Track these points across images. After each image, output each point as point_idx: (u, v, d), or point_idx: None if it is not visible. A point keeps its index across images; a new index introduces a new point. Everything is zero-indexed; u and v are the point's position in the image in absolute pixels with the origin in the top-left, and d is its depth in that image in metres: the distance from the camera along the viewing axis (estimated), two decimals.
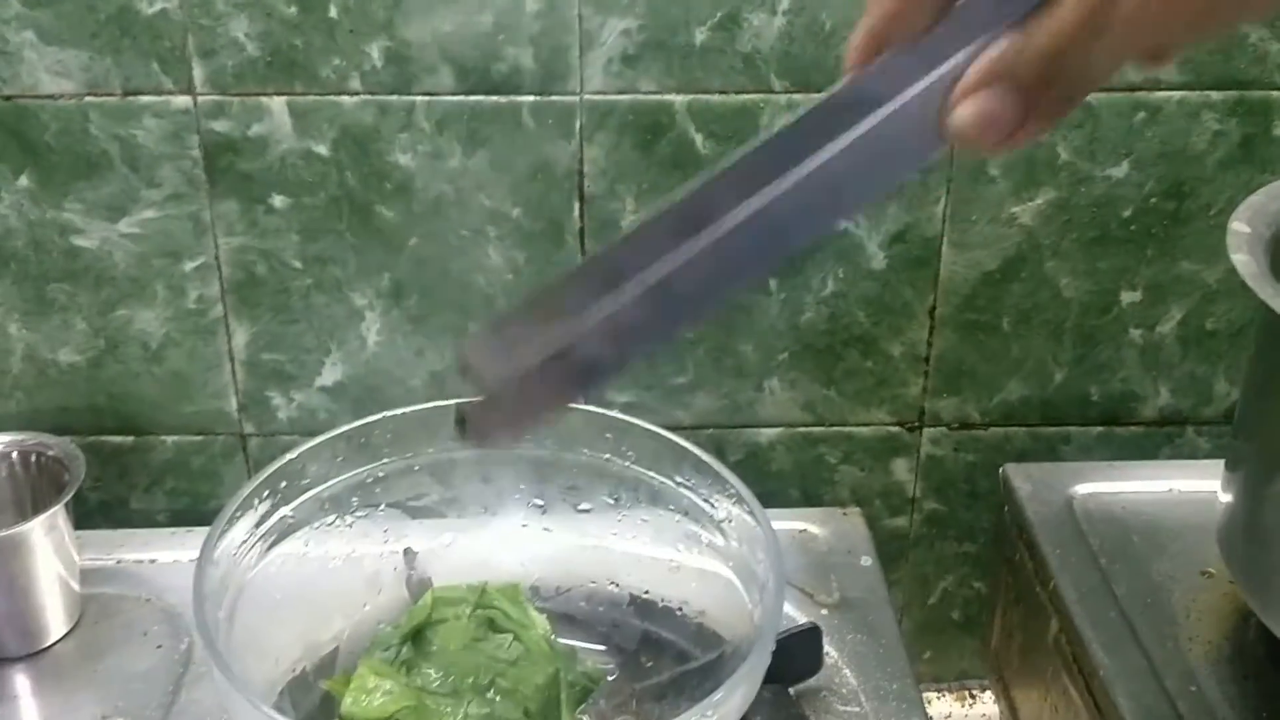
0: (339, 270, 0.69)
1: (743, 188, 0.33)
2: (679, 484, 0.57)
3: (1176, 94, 0.67)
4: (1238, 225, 0.54)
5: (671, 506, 0.57)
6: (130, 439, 0.73)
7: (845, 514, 0.73)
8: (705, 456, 0.55)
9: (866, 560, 0.69)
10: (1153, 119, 0.67)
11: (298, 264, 0.69)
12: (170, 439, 0.74)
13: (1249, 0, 0.29)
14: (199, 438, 0.74)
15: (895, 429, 0.76)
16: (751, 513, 0.53)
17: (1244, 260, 0.51)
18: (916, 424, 0.76)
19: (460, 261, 0.69)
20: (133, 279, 0.69)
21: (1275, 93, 0.67)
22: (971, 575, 0.80)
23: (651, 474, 0.58)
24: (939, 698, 0.83)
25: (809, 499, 0.77)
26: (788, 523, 0.73)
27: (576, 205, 0.68)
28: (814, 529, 0.72)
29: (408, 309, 0.70)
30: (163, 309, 0.70)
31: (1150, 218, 0.70)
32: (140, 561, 0.70)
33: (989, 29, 0.32)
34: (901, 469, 0.77)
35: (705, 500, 0.56)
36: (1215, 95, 0.67)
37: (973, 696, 0.82)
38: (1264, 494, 0.54)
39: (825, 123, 0.34)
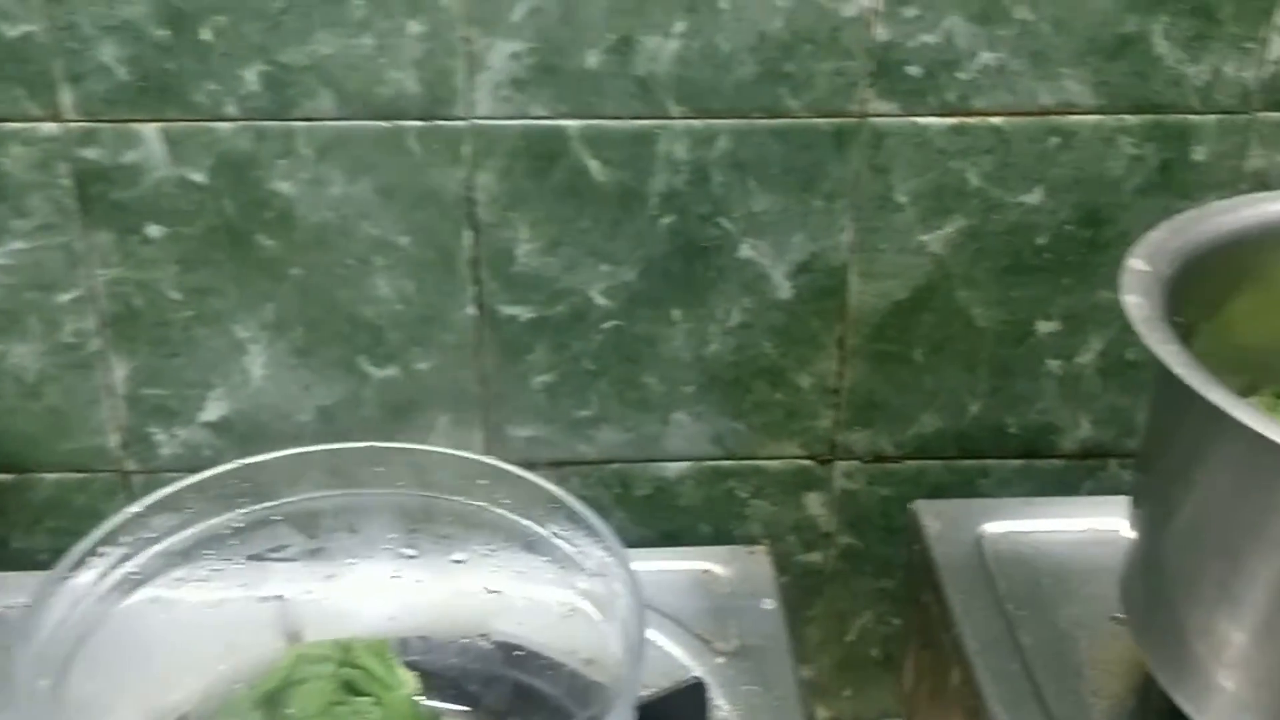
0: (220, 302, 0.67)
1: None
2: (554, 533, 0.54)
3: (1091, 118, 0.64)
4: (1135, 263, 0.51)
5: (546, 556, 0.55)
6: (8, 477, 0.70)
7: (751, 552, 0.71)
8: (576, 505, 0.53)
9: (769, 604, 0.67)
10: (1066, 144, 0.65)
11: (177, 295, 0.66)
12: (50, 476, 0.71)
13: None
14: (80, 475, 0.71)
15: (807, 462, 0.73)
16: (620, 566, 0.51)
17: (1136, 303, 0.48)
18: (828, 457, 0.73)
19: (347, 292, 0.67)
20: (4, 312, 0.66)
21: (1193, 117, 0.65)
22: (890, 612, 0.77)
23: (526, 522, 0.55)
24: None
25: (720, 534, 0.74)
26: (691, 563, 0.70)
27: (468, 234, 0.66)
28: (718, 569, 0.69)
29: (293, 341, 0.68)
30: (38, 343, 0.67)
31: (1066, 245, 0.67)
32: (11, 607, 0.67)
33: None
34: (815, 503, 0.74)
35: (579, 550, 0.53)
36: (1131, 119, 0.64)
37: None
38: (1162, 533, 0.52)
39: None
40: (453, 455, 0.56)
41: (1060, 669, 0.59)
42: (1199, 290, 0.54)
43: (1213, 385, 0.43)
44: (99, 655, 0.49)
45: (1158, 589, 0.52)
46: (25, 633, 0.46)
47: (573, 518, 0.53)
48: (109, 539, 0.50)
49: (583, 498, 0.72)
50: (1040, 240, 0.67)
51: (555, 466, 0.73)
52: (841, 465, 0.73)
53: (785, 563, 0.76)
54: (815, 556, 0.76)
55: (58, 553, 0.72)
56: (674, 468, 0.73)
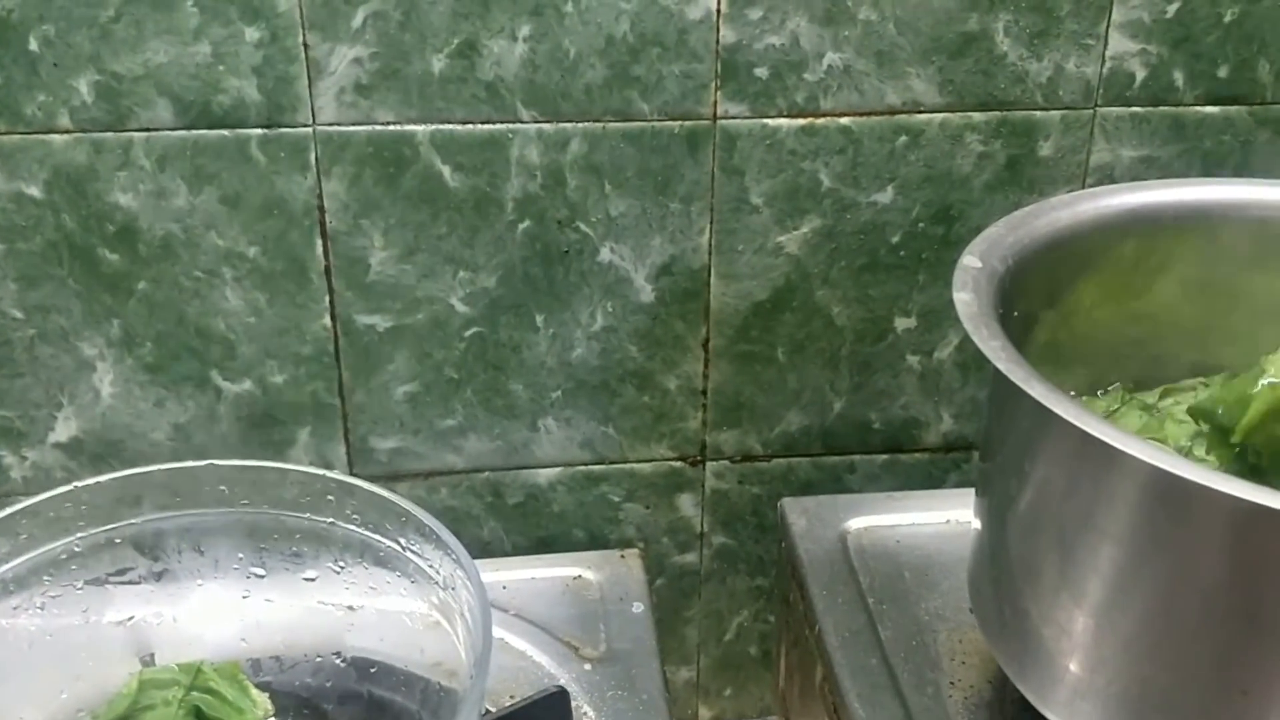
0: (64, 319, 0.64)
1: None
2: (404, 546, 0.53)
3: (938, 117, 0.65)
4: (969, 260, 0.52)
5: (397, 570, 0.54)
6: None
7: (623, 556, 0.70)
8: (424, 517, 0.52)
9: (638, 607, 0.66)
10: (915, 143, 0.66)
11: (18, 314, 0.64)
12: None
13: None
14: None
15: (677, 464, 0.73)
16: (469, 578, 0.50)
17: (965, 300, 0.49)
18: (698, 458, 0.73)
19: (196, 305, 0.65)
20: None
21: (1038, 113, 0.66)
22: (766, 609, 0.78)
23: (376, 537, 0.54)
24: None
25: (595, 539, 0.74)
26: (563, 569, 0.69)
27: (319, 242, 0.64)
28: (589, 575, 0.69)
29: (142, 357, 0.66)
30: None
31: (919, 243, 0.68)
32: None
33: None
34: (687, 504, 0.74)
35: (429, 562, 0.52)
36: (978, 117, 0.66)
37: None
38: (1002, 523, 0.52)
39: None
40: (298, 471, 0.54)
41: (919, 661, 0.59)
42: (1038, 284, 0.55)
43: (1034, 380, 0.43)
44: None
45: (999, 578, 0.52)
46: None
47: (421, 530, 0.52)
48: None
49: (453, 508, 0.73)
50: (894, 238, 0.68)
51: (423, 477, 0.72)
52: (711, 465, 0.73)
53: (661, 564, 0.76)
54: (690, 557, 0.76)
55: None
56: (545, 474, 0.73)
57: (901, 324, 0.70)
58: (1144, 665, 0.46)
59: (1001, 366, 0.44)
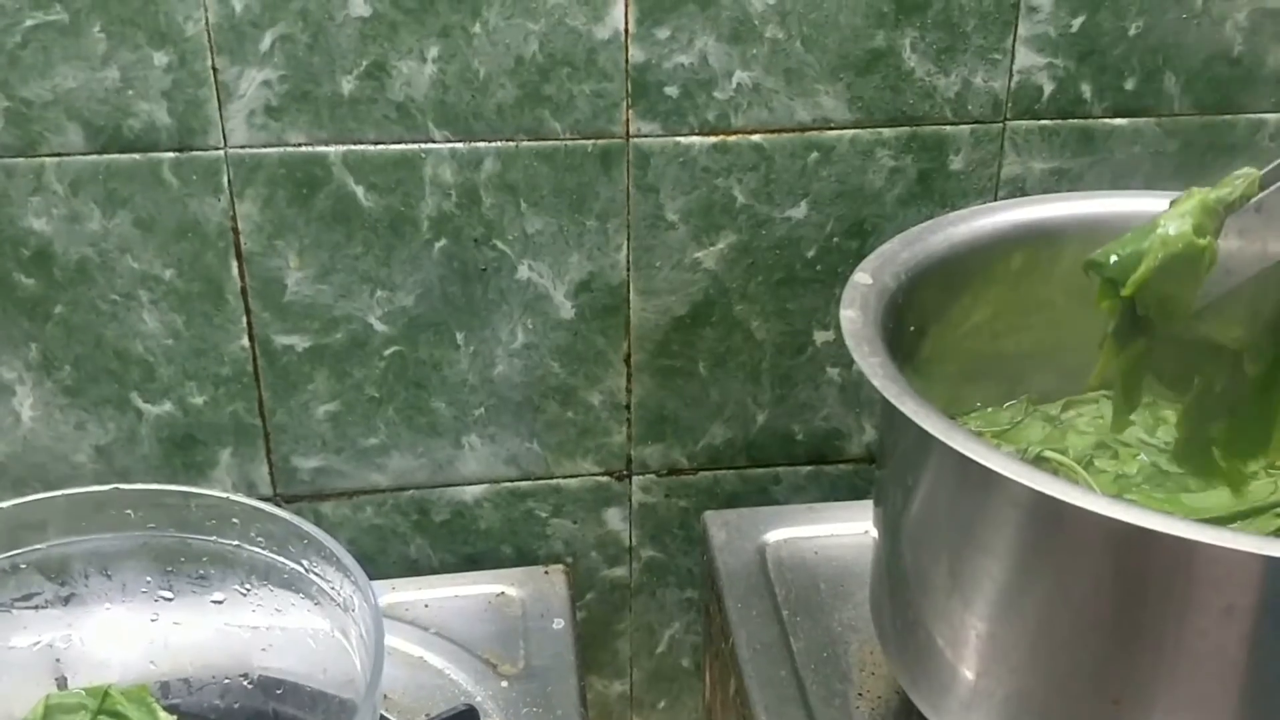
0: None
1: None
2: (307, 569, 0.54)
3: (848, 133, 0.66)
4: (860, 277, 0.53)
5: (302, 592, 0.54)
6: None
7: (547, 572, 0.71)
8: (324, 539, 0.52)
9: (559, 623, 0.67)
10: (826, 159, 0.66)
11: None
12: None
13: None
14: None
15: (604, 478, 0.73)
16: (365, 599, 0.50)
17: (851, 317, 0.49)
18: (625, 472, 0.73)
19: (113, 328, 0.65)
20: None
21: (947, 127, 0.66)
22: (696, 622, 0.78)
23: (281, 559, 0.54)
24: None
25: (523, 555, 0.74)
26: (487, 586, 0.70)
27: (235, 264, 0.65)
28: (512, 591, 0.69)
29: (61, 381, 0.66)
30: None
31: (834, 257, 0.69)
32: None
33: None
34: (615, 518, 0.75)
35: (330, 584, 0.53)
36: (887, 132, 0.66)
37: None
38: (895, 535, 0.53)
39: None
40: (203, 494, 0.55)
41: (828, 673, 0.60)
42: (932, 300, 0.56)
43: (906, 397, 0.44)
44: None
45: (893, 590, 0.53)
46: None
47: (322, 552, 0.52)
48: None
49: (379, 526, 0.73)
50: (810, 253, 0.69)
51: (348, 496, 0.72)
52: (638, 479, 0.74)
53: (591, 579, 0.76)
54: (620, 571, 0.76)
55: None
56: (471, 491, 0.73)
57: (820, 337, 0.71)
58: (1025, 676, 0.46)
59: (876, 383, 0.44)
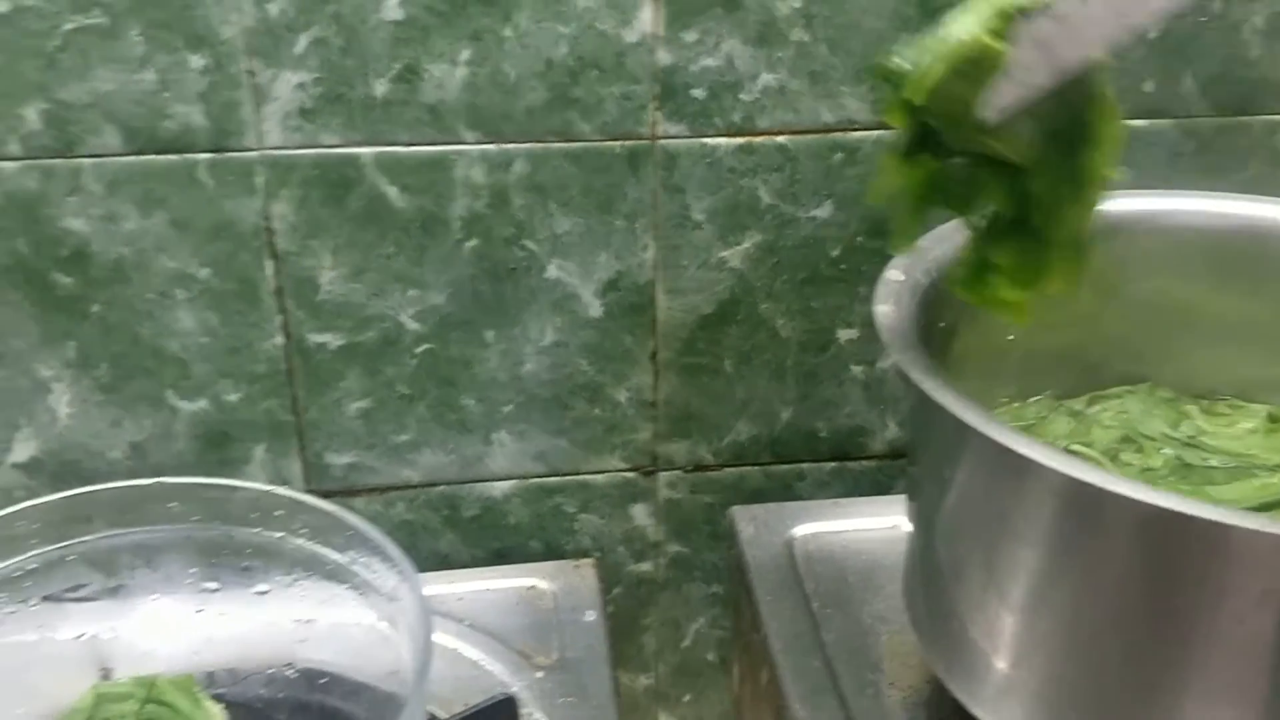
0: (20, 341, 0.65)
1: None
2: (352, 559, 0.55)
3: (872, 133, 0.67)
4: (892, 273, 0.54)
5: (346, 583, 0.55)
6: None
7: (577, 566, 0.72)
8: (369, 530, 0.53)
9: (591, 615, 0.68)
10: (850, 159, 0.67)
11: None
12: None
13: None
14: None
15: (630, 474, 0.74)
16: (411, 589, 0.51)
17: (885, 312, 0.50)
18: (651, 468, 0.74)
19: (149, 326, 0.66)
20: None
21: None
22: (722, 616, 0.79)
23: (325, 551, 0.55)
24: None
25: (551, 550, 0.75)
26: (518, 580, 0.71)
27: (269, 263, 0.66)
28: (543, 584, 0.70)
29: (98, 378, 0.67)
30: None
31: (858, 256, 0.70)
32: None
33: None
34: (642, 514, 0.76)
35: (375, 574, 0.54)
36: None
37: None
38: (930, 527, 0.54)
39: None
40: (247, 487, 0.56)
41: (860, 664, 0.61)
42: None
43: (945, 390, 0.45)
44: None
45: (928, 580, 0.54)
46: None
47: (367, 543, 0.53)
48: None
49: (410, 522, 0.74)
50: (834, 252, 0.70)
51: (380, 492, 0.73)
52: (664, 476, 0.75)
53: (618, 573, 0.77)
54: (646, 566, 0.77)
55: None
56: (500, 487, 0.74)
57: (844, 335, 0.72)
58: (1062, 663, 0.47)
59: (914, 376, 0.46)
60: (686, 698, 0.81)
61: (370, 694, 0.56)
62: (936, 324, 0.54)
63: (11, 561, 0.54)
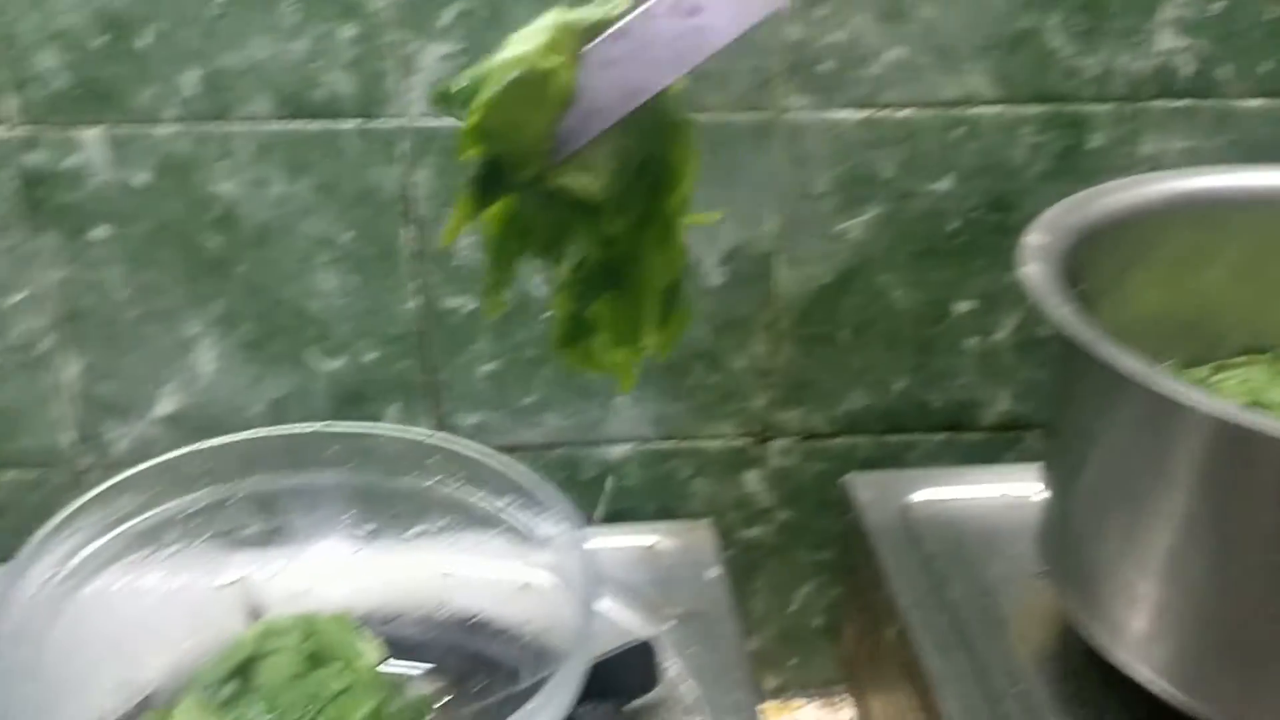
0: (168, 299, 0.68)
1: None
2: (506, 505, 0.57)
3: (993, 109, 0.68)
4: (1034, 238, 0.55)
5: (499, 528, 0.57)
6: None
7: (694, 527, 0.74)
8: (527, 476, 0.55)
9: (713, 572, 0.70)
10: (972, 134, 0.69)
11: (125, 294, 0.68)
12: (5, 474, 0.72)
13: None
14: (35, 472, 0.72)
15: (744, 441, 0.76)
16: (571, 530, 0.53)
17: (1034, 270, 0.52)
18: (764, 435, 0.76)
19: (292, 287, 0.69)
20: None
21: (1088, 106, 0.69)
22: (829, 582, 0.81)
23: (479, 496, 0.57)
24: (805, 706, 0.84)
25: (664, 513, 0.77)
26: (636, 537, 0.73)
27: (407, 229, 0.68)
28: (663, 542, 0.72)
29: (241, 336, 0.69)
30: None
31: (976, 230, 0.71)
32: None
33: None
34: (753, 480, 0.78)
35: (531, 520, 0.56)
36: (1031, 110, 0.69)
37: (838, 703, 0.83)
38: (1071, 488, 0.56)
39: None
40: (403, 436, 0.58)
41: (987, 620, 0.62)
42: (1096, 264, 0.58)
43: (1103, 341, 0.46)
44: (70, 635, 0.51)
45: (1071, 541, 0.55)
46: None
47: (524, 492, 0.55)
48: (73, 520, 0.52)
49: None
50: (952, 225, 0.71)
51: (504, 452, 0.75)
52: (776, 443, 0.77)
53: (727, 538, 0.79)
54: (756, 531, 0.79)
55: (12, 551, 0.74)
56: (617, 450, 0.76)
57: (960, 307, 0.73)
58: (1210, 610, 0.48)
59: (1070, 329, 0.47)
60: (792, 661, 0.83)
61: (519, 640, 0.58)
62: (1074, 289, 0.56)
63: (185, 499, 0.56)
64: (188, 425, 0.71)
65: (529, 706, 0.46)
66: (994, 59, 0.68)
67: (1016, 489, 0.72)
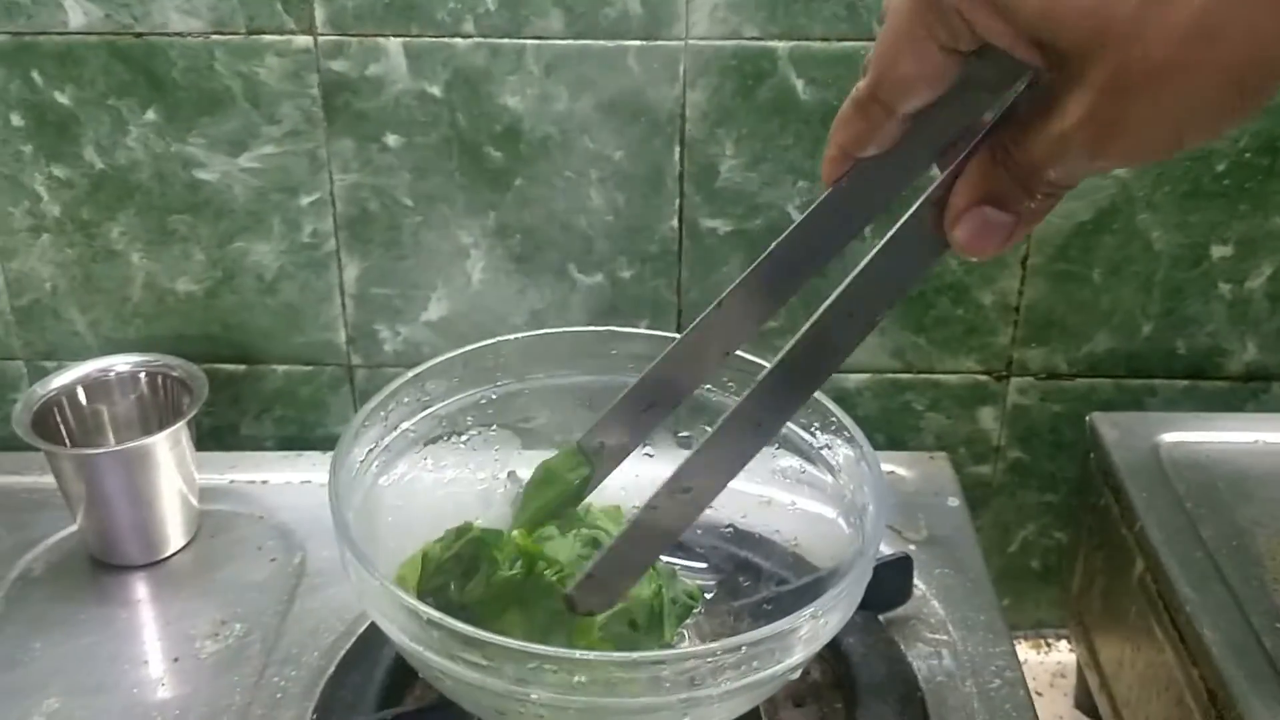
0: (447, 209, 0.72)
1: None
2: (790, 430, 0.59)
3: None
4: None
5: (788, 452, 0.59)
6: (243, 367, 0.77)
7: (932, 458, 0.75)
8: (824, 403, 0.57)
9: (954, 501, 0.71)
10: None
11: (408, 201, 0.72)
12: (281, 368, 0.77)
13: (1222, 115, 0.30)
14: (308, 368, 0.77)
15: (983, 377, 0.77)
16: (852, 439, 0.55)
17: None
18: (1004, 373, 0.77)
19: (563, 203, 0.72)
20: (250, 212, 0.72)
21: None
22: (1052, 525, 0.81)
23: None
24: (1016, 645, 0.84)
25: (894, 444, 0.79)
26: None
27: (677, 149, 0.70)
28: (901, 471, 0.74)
29: (511, 248, 0.73)
30: (278, 242, 0.73)
31: (1244, 173, 0.70)
32: (253, 482, 0.73)
33: (949, 134, 0.39)
34: (987, 417, 0.78)
35: (806, 430, 0.58)
36: None
37: (1048, 645, 0.84)
38: None
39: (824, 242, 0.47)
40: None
41: (1241, 559, 0.62)
42: None
43: None
44: (379, 505, 0.55)
45: None
46: (334, 474, 0.51)
47: (819, 415, 0.57)
48: (392, 399, 0.56)
49: None
50: (1220, 167, 0.71)
51: (746, 374, 0.77)
52: (1016, 381, 0.77)
53: (956, 473, 0.80)
54: (985, 469, 0.80)
55: (283, 440, 0.79)
56: (854, 379, 0.77)
57: (1217, 251, 0.72)
58: None
59: None
60: (1005, 602, 0.83)
61: (786, 550, 0.60)
62: None
63: (481, 389, 0.60)
64: (453, 331, 0.75)
65: (825, 598, 0.48)
66: None
67: (1269, 436, 0.71)
